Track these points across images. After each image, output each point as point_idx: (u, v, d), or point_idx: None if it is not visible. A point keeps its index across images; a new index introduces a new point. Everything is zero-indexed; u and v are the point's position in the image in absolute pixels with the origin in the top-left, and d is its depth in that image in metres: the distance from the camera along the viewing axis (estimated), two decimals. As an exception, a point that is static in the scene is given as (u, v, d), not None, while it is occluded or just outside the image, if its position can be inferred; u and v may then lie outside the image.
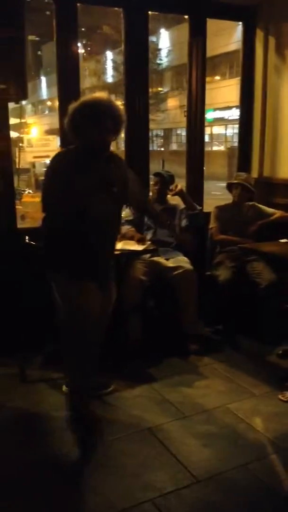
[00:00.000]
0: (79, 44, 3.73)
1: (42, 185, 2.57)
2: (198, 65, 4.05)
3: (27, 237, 3.36)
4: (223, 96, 20.36)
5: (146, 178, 3.98)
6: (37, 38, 27.72)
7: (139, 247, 3.43)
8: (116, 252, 2.90)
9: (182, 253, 3.75)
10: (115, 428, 2.65)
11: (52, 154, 2.89)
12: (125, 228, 3.61)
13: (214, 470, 2.32)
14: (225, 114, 24.01)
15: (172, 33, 24.15)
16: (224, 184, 4.26)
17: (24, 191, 11.75)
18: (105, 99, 2.46)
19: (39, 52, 31.13)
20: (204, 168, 4.34)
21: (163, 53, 25.39)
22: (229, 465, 2.35)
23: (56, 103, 3.81)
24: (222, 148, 25.38)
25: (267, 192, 4.20)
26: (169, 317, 3.64)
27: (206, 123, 4.42)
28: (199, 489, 2.20)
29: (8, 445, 2.55)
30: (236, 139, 5.75)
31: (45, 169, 3.25)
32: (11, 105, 3.48)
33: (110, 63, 27.03)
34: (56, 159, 2.54)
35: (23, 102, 15.61)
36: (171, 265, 3.57)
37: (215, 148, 25.83)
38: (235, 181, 3.93)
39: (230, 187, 3.99)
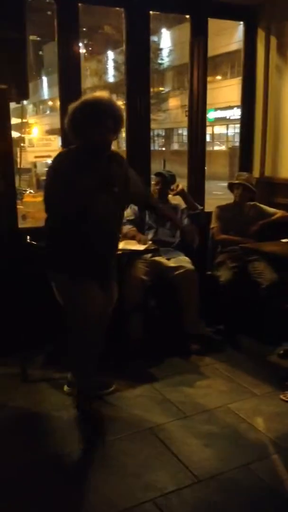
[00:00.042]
0: (80, 44, 3.73)
1: (44, 185, 2.57)
2: (199, 65, 4.05)
3: (28, 237, 3.36)
4: (225, 95, 20.37)
5: (148, 178, 3.98)
6: (38, 38, 27.71)
7: (141, 247, 3.43)
8: (117, 252, 2.90)
9: (184, 253, 3.75)
10: (116, 427, 2.65)
11: (53, 154, 2.90)
12: (127, 228, 3.61)
13: (215, 470, 2.32)
14: (227, 113, 24.03)
15: (174, 33, 24.15)
16: (225, 184, 4.26)
17: (26, 191, 11.76)
18: (105, 98, 2.46)
19: (40, 52, 31.12)
20: (206, 168, 4.34)
21: (165, 53, 25.42)
22: (230, 465, 2.35)
23: (57, 103, 3.81)
24: (223, 148, 25.37)
25: (268, 192, 4.20)
26: (170, 317, 3.64)
27: (207, 123, 4.42)
28: (200, 489, 2.20)
29: (9, 445, 2.55)
30: (237, 138, 5.74)
31: (46, 169, 3.25)
32: (12, 105, 3.48)
33: (111, 63, 27.05)
34: (57, 159, 2.54)
35: (25, 102, 15.64)
36: (172, 265, 3.57)
37: (216, 148, 25.83)
38: (237, 181, 3.93)
39: (231, 187, 3.98)
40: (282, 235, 3.53)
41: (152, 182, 3.89)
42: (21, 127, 14.68)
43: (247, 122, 4.39)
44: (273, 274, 3.55)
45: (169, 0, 3.89)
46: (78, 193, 2.37)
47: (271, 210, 3.97)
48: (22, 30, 3.17)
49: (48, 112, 34.42)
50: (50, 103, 34.11)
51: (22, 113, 14.67)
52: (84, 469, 2.36)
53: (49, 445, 2.54)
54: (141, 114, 3.89)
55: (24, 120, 15.13)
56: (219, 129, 26.86)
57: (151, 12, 3.84)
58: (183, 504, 2.11)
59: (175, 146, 28.25)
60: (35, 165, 12.30)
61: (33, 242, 3.28)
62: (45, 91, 34.35)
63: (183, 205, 3.85)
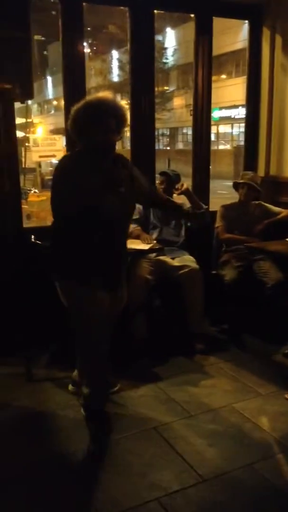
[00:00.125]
0: (85, 44, 3.74)
1: (50, 190, 2.55)
2: (204, 64, 4.04)
3: (32, 236, 3.37)
4: (229, 94, 20.34)
5: (152, 177, 3.97)
6: (43, 38, 27.79)
7: (145, 246, 3.43)
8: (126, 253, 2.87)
9: (188, 252, 3.75)
10: (121, 427, 2.65)
11: (58, 153, 2.91)
12: (131, 227, 3.59)
13: (220, 469, 2.31)
14: (231, 113, 23.99)
15: (178, 32, 24.14)
16: (230, 183, 4.25)
17: (30, 190, 11.80)
18: (108, 98, 2.45)
19: (45, 52, 31.23)
20: (210, 167, 4.33)
21: (169, 52, 25.40)
22: (235, 465, 2.35)
23: (62, 103, 3.82)
24: (228, 147, 25.37)
25: (273, 191, 4.19)
26: (175, 316, 3.64)
27: (212, 122, 4.41)
28: (205, 488, 2.20)
29: (14, 444, 2.56)
30: (242, 138, 5.73)
31: (51, 168, 3.25)
32: (17, 104, 3.48)
33: (116, 63, 27.06)
34: (62, 162, 2.53)
35: (29, 102, 15.65)
36: (177, 264, 3.57)
37: (221, 147, 25.83)
38: (242, 180, 3.93)
39: (236, 186, 3.98)
40: (287, 234, 3.53)
41: (157, 182, 3.88)
42: (25, 126, 14.73)
43: (252, 121, 4.39)
44: (278, 273, 3.54)
45: (174, -1, 3.90)
46: (85, 195, 2.35)
47: (276, 209, 3.96)
48: (26, 29, 3.18)
49: (52, 111, 34.49)
50: (54, 102, 34.18)
51: (26, 113, 14.71)
52: (89, 468, 2.36)
53: (54, 444, 2.55)
54: (145, 113, 3.89)
55: (28, 120, 15.17)
56: (224, 128, 26.83)
57: (155, 11, 3.84)
58: (188, 504, 2.11)
59: (180, 145, 28.24)
60: (39, 164, 12.34)
61: (38, 242, 3.29)
62: (50, 91, 34.43)
63: (188, 204, 3.84)
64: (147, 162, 3.92)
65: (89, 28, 22.59)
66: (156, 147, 4.26)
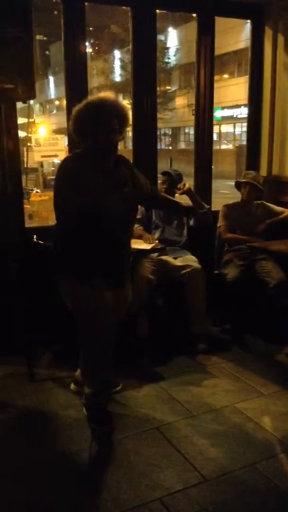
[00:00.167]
0: (87, 43, 3.73)
1: (53, 192, 2.54)
2: (206, 64, 4.04)
3: (35, 236, 3.37)
4: (232, 94, 20.35)
5: (154, 177, 3.97)
6: (45, 38, 27.83)
7: (147, 246, 3.43)
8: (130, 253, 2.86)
9: (190, 252, 3.75)
10: (124, 426, 2.65)
11: (60, 153, 2.90)
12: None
13: (223, 469, 2.31)
14: (234, 112, 23.99)
15: (180, 32, 24.14)
16: (232, 183, 4.25)
17: (32, 190, 11.81)
18: (110, 98, 2.44)
19: (47, 52, 31.23)
20: (213, 166, 4.33)
21: (171, 52, 25.42)
22: (237, 465, 2.35)
23: (64, 103, 3.82)
24: (230, 146, 25.34)
25: (275, 191, 4.18)
26: (177, 316, 3.64)
27: (214, 122, 4.41)
28: (208, 488, 2.19)
29: (16, 443, 2.56)
30: (244, 137, 5.73)
31: (53, 168, 3.25)
32: (19, 104, 3.48)
33: (118, 62, 27.07)
34: (64, 163, 2.52)
35: (31, 102, 15.69)
36: (179, 264, 3.57)
37: (223, 146, 25.80)
38: (244, 180, 3.92)
39: (238, 185, 3.98)
40: (290, 234, 3.53)
41: (159, 181, 3.88)
42: (28, 126, 14.75)
43: (254, 120, 4.38)
44: (281, 273, 3.53)
45: (176, -2, 3.90)
46: (88, 196, 2.35)
47: (279, 209, 3.96)
48: (28, 29, 3.17)
49: (54, 111, 34.50)
50: (56, 102, 34.19)
51: (29, 113, 14.74)
52: (91, 467, 2.37)
53: (56, 444, 2.55)
54: (147, 113, 3.89)
55: (31, 120, 15.21)
56: (226, 128, 26.81)
57: (157, 10, 3.84)
58: (190, 504, 2.11)
59: (182, 145, 28.24)
60: (41, 164, 12.34)
61: (40, 241, 3.29)
62: (52, 91, 34.43)
63: (190, 204, 3.83)
64: (149, 161, 3.92)
65: (91, 28, 22.62)
66: (158, 147, 4.27)
